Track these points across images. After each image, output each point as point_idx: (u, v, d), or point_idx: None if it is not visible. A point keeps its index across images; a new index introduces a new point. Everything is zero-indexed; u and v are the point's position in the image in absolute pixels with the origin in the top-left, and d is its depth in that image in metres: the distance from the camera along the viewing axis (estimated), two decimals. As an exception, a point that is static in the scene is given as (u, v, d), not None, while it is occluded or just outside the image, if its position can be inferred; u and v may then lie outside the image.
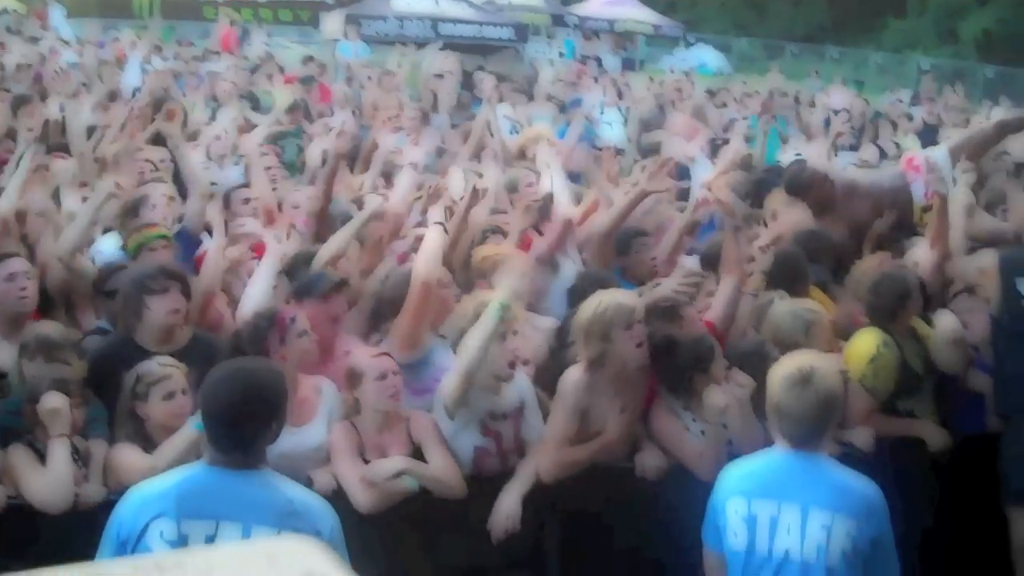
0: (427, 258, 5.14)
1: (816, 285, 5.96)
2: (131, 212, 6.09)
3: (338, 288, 5.18)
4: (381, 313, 5.33)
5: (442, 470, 4.58)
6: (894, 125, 12.81)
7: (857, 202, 7.10)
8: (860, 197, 7.15)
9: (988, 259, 5.74)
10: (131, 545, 3.28)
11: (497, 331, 4.59)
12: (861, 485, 3.78)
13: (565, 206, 6.25)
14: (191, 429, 4.21)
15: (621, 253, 6.32)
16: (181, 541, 3.26)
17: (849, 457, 4.47)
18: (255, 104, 11.75)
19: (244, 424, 3.36)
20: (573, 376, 4.85)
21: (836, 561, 3.62)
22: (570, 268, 6.13)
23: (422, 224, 6.08)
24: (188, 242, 6.10)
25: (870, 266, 5.99)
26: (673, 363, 4.96)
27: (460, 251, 6.08)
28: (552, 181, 6.62)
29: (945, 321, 5.47)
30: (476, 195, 6.15)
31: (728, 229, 5.62)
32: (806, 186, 7.20)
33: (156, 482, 3.47)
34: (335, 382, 4.85)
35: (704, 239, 6.91)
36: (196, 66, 15.06)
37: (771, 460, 3.87)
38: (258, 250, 5.67)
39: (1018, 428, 5.33)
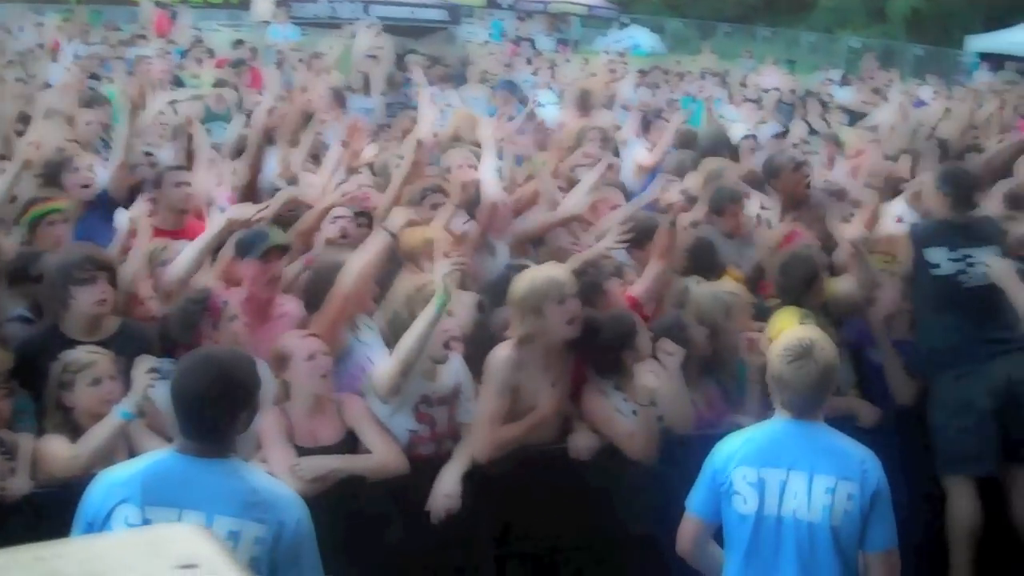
0: (358, 267, 4.99)
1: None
2: (50, 180, 6.02)
3: (278, 249, 5.16)
4: (308, 305, 5.27)
5: (381, 455, 4.57)
6: (823, 103, 12.94)
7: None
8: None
9: (897, 231, 5.87)
10: (97, 528, 3.24)
11: (436, 324, 4.57)
12: (859, 450, 3.98)
13: (493, 189, 6.20)
14: (117, 417, 4.17)
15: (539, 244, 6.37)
16: (145, 527, 3.21)
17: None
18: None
19: (213, 413, 3.32)
20: (502, 353, 4.85)
21: (839, 520, 3.82)
22: (504, 250, 6.12)
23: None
24: (105, 208, 6.03)
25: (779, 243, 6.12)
26: (597, 343, 4.99)
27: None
28: (485, 163, 6.60)
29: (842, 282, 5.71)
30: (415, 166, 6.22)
31: (665, 223, 5.67)
32: (776, 170, 7.33)
33: (125, 467, 3.45)
34: (271, 342, 4.80)
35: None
36: (123, 51, 14.83)
37: (774, 430, 4.02)
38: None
39: (937, 393, 5.48)
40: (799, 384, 3.89)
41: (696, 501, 4.05)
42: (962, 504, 5.42)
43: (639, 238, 6.09)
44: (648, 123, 9.99)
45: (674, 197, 6.21)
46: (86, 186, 6.39)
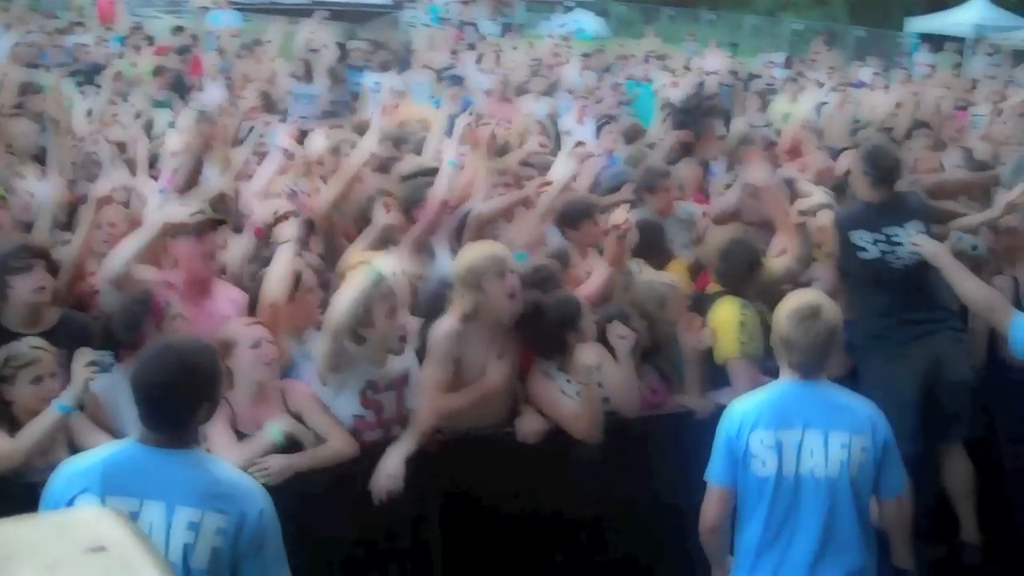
0: (274, 280, 4.99)
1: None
2: None
3: (213, 226, 5.12)
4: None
5: (336, 444, 4.57)
6: (763, 96, 12.99)
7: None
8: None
9: (826, 217, 5.91)
10: None
11: (368, 294, 4.55)
12: (865, 404, 4.16)
13: (438, 188, 6.10)
14: (55, 411, 4.12)
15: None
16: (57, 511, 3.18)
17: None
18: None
19: (174, 403, 3.29)
20: (444, 325, 4.87)
21: (856, 473, 3.98)
22: (445, 256, 5.94)
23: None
24: None
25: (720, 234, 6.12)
26: (542, 325, 5.02)
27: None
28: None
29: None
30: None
31: (613, 234, 5.58)
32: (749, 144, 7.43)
33: (86, 456, 3.42)
34: (209, 319, 4.75)
35: None
36: (60, 39, 14.62)
37: (784, 391, 4.12)
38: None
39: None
40: (808, 344, 4.01)
41: (717, 472, 4.11)
42: None
43: (574, 218, 6.12)
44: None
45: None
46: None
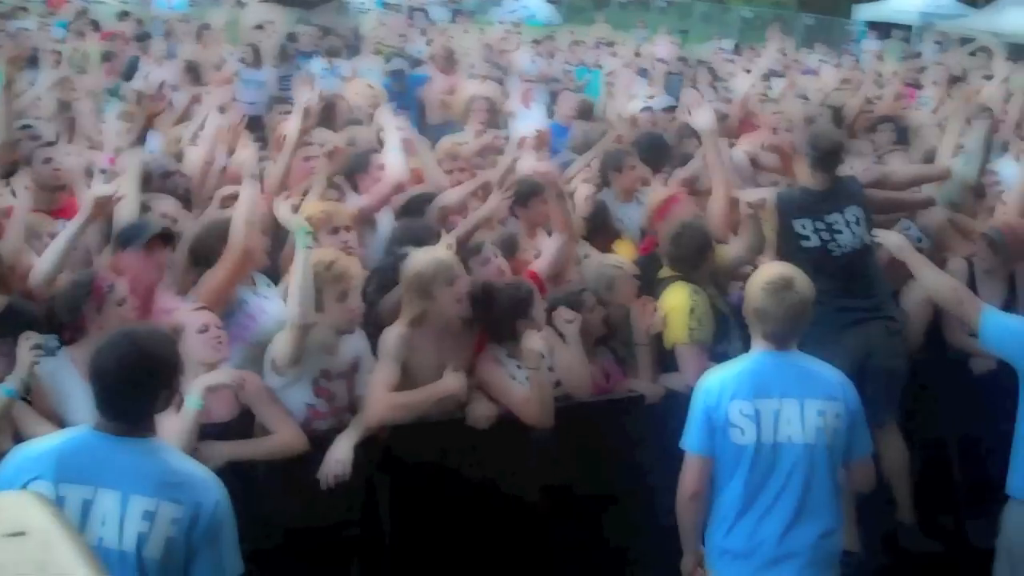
0: (243, 220, 5.05)
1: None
2: None
3: (162, 237, 5.06)
4: (198, 261, 5.22)
5: (281, 437, 4.53)
6: (713, 73, 13.05)
7: None
8: None
9: (764, 196, 5.91)
10: None
11: (310, 263, 4.55)
12: (834, 372, 4.30)
13: (397, 169, 6.16)
14: (0, 394, 4.07)
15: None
16: (57, 505, 3.09)
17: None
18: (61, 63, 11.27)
19: (131, 391, 3.26)
20: (394, 331, 4.87)
21: (831, 439, 4.11)
22: (387, 225, 6.11)
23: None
24: None
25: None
26: (492, 311, 5.03)
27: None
28: (388, 144, 6.55)
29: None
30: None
31: (550, 196, 5.71)
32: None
33: (40, 442, 3.37)
34: None
35: None
36: (3, 24, 14.36)
37: (759, 361, 4.22)
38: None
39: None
40: (782, 314, 4.12)
41: (695, 441, 4.17)
42: None
43: (522, 196, 6.15)
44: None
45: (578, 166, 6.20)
46: None
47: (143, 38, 12.84)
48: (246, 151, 6.19)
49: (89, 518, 3.14)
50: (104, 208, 5.09)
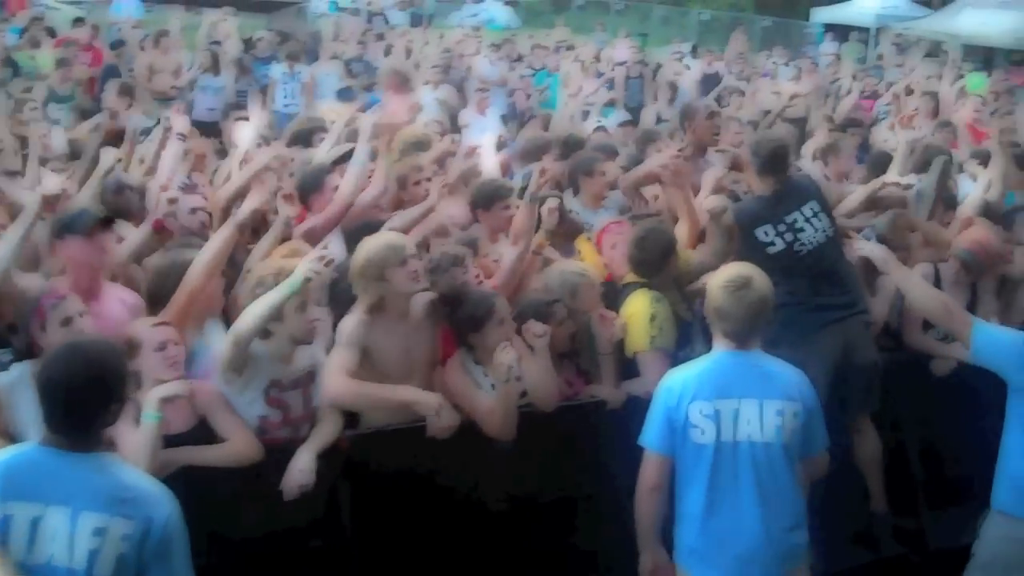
0: (204, 264, 4.94)
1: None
2: None
3: (102, 224, 4.99)
4: (155, 301, 5.08)
5: (233, 445, 4.49)
6: (673, 87, 13.05)
7: None
8: None
9: (724, 203, 5.93)
10: None
11: (285, 303, 4.47)
12: (793, 371, 4.37)
13: (350, 189, 6.10)
14: None
15: None
16: (4, 524, 3.11)
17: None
18: (15, 71, 11.17)
19: (79, 405, 3.22)
20: (352, 318, 4.86)
21: (789, 437, 4.20)
22: (336, 244, 5.91)
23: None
24: None
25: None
26: (457, 316, 5.06)
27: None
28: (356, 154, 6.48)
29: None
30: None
31: (525, 202, 5.72)
32: (692, 114, 7.74)
33: None
34: (97, 322, 4.63)
35: None
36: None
37: (719, 361, 4.29)
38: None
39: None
40: (741, 313, 4.19)
41: (655, 440, 4.26)
42: None
43: (487, 200, 6.15)
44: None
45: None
46: None
47: (117, 46, 12.74)
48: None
49: (38, 536, 3.10)
50: (53, 205, 5.04)
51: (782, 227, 5.63)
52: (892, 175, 6.61)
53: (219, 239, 5.04)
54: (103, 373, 3.28)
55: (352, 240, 5.91)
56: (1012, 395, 4.51)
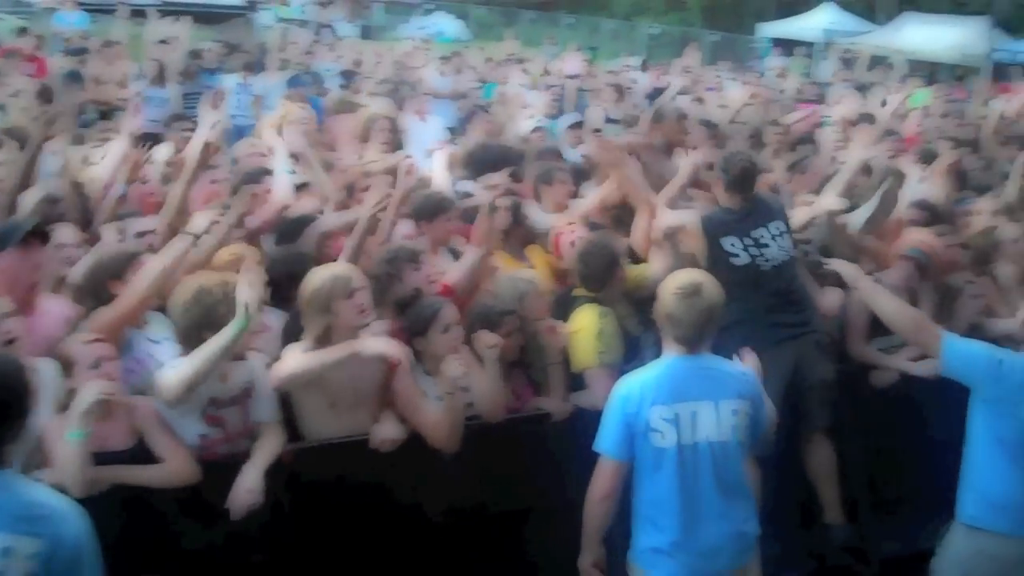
0: (159, 271, 4.93)
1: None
2: None
3: (37, 235, 4.91)
4: (87, 294, 5.07)
5: (169, 466, 4.43)
6: (619, 89, 13.10)
7: None
8: None
9: (685, 218, 5.95)
10: None
11: (233, 346, 4.43)
12: (741, 370, 4.51)
13: (282, 190, 6.11)
14: None
15: None
16: None
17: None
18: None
19: None
20: (297, 350, 4.81)
21: (743, 434, 4.34)
22: (269, 247, 6.00)
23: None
24: None
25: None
26: (405, 327, 5.06)
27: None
28: (275, 164, 6.50)
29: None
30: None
31: (484, 210, 5.73)
32: (661, 116, 8.04)
33: None
34: (37, 336, 4.57)
35: None
36: None
37: (673, 367, 4.36)
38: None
39: None
40: (691, 318, 4.27)
41: (611, 445, 4.31)
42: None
43: (430, 212, 6.12)
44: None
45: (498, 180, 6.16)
46: None
47: (80, 52, 12.60)
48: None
49: None
50: None
51: (748, 241, 5.70)
52: (830, 197, 6.61)
53: (174, 252, 5.02)
54: (1, 390, 3.11)
55: (283, 235, 5.92)
56: (979, 407, 4.51)
